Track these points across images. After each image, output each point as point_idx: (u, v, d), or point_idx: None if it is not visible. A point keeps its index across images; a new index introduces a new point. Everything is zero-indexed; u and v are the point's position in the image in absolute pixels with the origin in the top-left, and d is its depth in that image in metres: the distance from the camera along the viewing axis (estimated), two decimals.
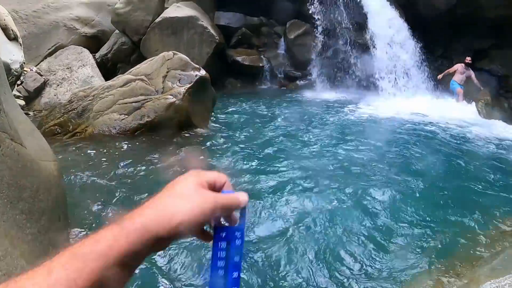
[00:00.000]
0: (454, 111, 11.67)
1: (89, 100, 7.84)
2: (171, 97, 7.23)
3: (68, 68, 12.75)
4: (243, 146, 6.88)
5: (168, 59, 8.05)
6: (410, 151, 7.28)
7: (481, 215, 4.65)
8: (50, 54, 13.57)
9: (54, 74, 12.60)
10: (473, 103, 12.40)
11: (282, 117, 9.57)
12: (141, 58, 13.17)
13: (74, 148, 6.49)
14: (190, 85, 7.47)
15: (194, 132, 7.38)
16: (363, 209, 4.66)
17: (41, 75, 12.40)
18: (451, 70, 13.23)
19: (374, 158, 6.63)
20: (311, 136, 7.88)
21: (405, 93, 13.68)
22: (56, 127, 7.75)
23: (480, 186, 5.59)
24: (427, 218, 4.55)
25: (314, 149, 6.88)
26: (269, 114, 9.76)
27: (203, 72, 7.91)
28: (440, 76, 13.38)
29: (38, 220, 3.01)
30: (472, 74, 13.00)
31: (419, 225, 4.38)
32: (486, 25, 14.19)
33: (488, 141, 8.61)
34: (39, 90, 11.95)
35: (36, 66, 13.03)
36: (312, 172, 5.63)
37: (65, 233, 3.64)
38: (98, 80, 12.17)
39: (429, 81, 14.29)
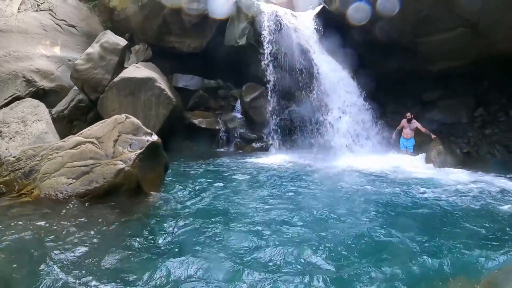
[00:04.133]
0: (409, 164, 12.13)
1: (38, 160, 7.69)
2: (121, 163, 7.09)
3: (22, 122, 12.49)
4: (193, 216, 6.63)
5: (119, 123, 7.99)
6: (367, 207, 7.41)
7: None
8: (6, 105, 13.25)
9: (8, 126, 12.31)
10: (426, 153, 12.91)
11: (237, 182, 9.48)
12: (98, 117, 13.14)
13: (16, 213, 6.26)
14: (140, 150, 7.36)
15: (144, 200, 7.15)
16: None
17: None
18: (399, 127, 13.93)
19: (328, 216, 6.67)
20: (266, 203, 7.59)
21: (360, 151, 14.03)
22: (2, 186, 7.54)
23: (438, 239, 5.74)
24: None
25: (267, 218, 6.63)
26: (224, 181, 9.56)
27: (155, 138, 7.82)
28: (393, 136, 14.05)
29: None
30: (417, 125, 13.62)
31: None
32: (432, 78, 15.24)
33: (445, 190, 8.93)
34: None
35: None
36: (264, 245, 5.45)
37: None
38: (52, 137, 11.94)
39: (382, 137, 14.82)
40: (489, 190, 8.96)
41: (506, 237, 5.87)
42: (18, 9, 16.18)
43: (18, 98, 13.59)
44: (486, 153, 14.36)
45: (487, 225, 6.38)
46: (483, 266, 4.83)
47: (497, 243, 5.58)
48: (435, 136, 13.32)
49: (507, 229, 6.20)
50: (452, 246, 5.37)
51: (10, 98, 13.64)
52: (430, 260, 4.91)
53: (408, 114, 13.74)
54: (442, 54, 14.01)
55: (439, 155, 12.48)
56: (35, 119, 12.63)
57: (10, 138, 11.89)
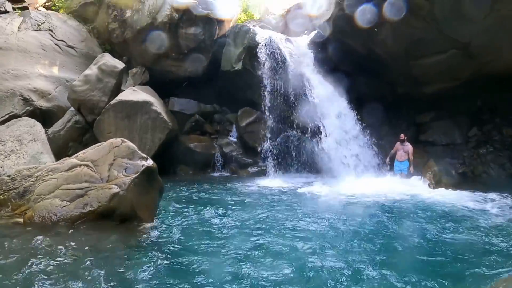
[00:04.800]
0: (404, 187, 12.12)
1: (32, 181, 7.71)
2: (116, 187, 7.11)
3: (18, 141, 12.50)
4: (186, 242, 6.56)
5: (115, 147, 8.00)
6: (370, 230, 7.46)
7: None
8: (2, 123, 13.26)
9: (4, 144, 12.32)
10: (421, 176, 13.02)
11: (231, 208, 9.33)
12: (94, 139, 13.26)
13: (8, 234, 6.31)
14: (135, 175, 7.36)
15: (138, 225, 7.10)
16: None
17: None
18: (393, 151, 13.95)
19: (328, 239, 6.63)
20: (262, 231, 7.41)
21: (355, 176, 14.04)
22: None
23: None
24: None
25: (262, 250, 6.36)
26: (218, 207, 9.40)
27: (150, 162, 7.82)
28: (388, 161, 14.05)
29: None
30: (409, 149, 13.64)
31: None
32: (426, 100, 15.43)
33: (438, 212, 9.04)
34: None
35: None
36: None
37: None
38: (47, 157, 11.97)
39: (377, 160, 14.85)
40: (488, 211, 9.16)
41: None
42: (19, 27, 16.33)
43: (14, 116, 13.64)
44: (482, 173, 14.49)
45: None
46: None
47: None
48: (412, 172, 13.47)
49: None
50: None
51: (6, 116, 13.66)
52: None
53: (402, 135, 13.83)
54: (435, 75, 14.29)
55: (434, 176, 12.58)
56: (31, 138, 12.63)
57: (5, 157, 11.89)
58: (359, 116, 15.21)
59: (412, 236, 7.13)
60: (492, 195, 10.91)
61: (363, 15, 13.35)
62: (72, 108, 14.60)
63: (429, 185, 12.37)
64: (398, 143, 13.86)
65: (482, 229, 7.57)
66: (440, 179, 12.55)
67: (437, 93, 15.01)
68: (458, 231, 7.44)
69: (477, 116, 15.79)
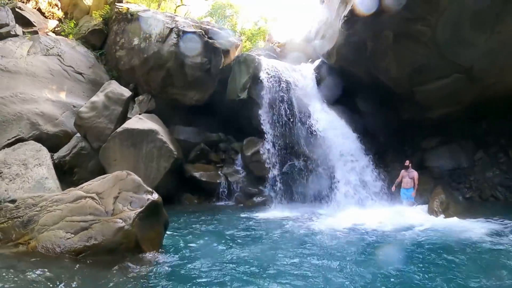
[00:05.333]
0: (410, 217, 11.72)
1: (37, 210, 7.72)
2: (121, 221, 7.12)
3: (23, 165, 12.55)
4: (190, 278, 6.43)
5: (120, 180, 8.05)
6: (369, 266, 7.16)
7: None
8: (8, 145, 13.43)
9: (9, 167, 12.38)
10: (428, 204, 12.64)
11: (235, 241, 9.25)
12: (99, 166, 13.33)
13: (11, 263, 6.37)
14: (141, 209, 7.38)
15: (142, 259, 7.03)
16: None
17: None
18: (399, 179, 13.65)
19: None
20: (268, 263, 7.32)
21: (361, 205, 13.81)
22: None
23: None
24: None
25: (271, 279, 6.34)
26: (223, 239, 9.35)
27: (155, 196, 7.82)
28: (393, 189, 13.77)
29: None
30: (415, 175, 13.35)
31: None
32: (430, 125, 15.52)
33: (447, 244, 8.63)
34: None
35: None
36: None
37: None
38: (52, 183, 12.02)
39: (383, 190, 14.57)
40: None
41: None
42: (28, 51, 16.53)
43: (21, 139, 13.76)
44: (489, 197, 14.45)
45: None
46: None
47: None
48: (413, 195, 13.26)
49: None
50: None
51: (13, 139, 13.74)
52: None
53: (407, 162, 13.66)
54: (439, 101, 14.43)
55: (441, 204, 12.17)
56: (37, 163, 12.70)
57: (10, 180, 11.95)
58: (363, 143, 15.16)
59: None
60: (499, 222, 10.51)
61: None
62: (78, 134, 14.69)
63: (436, 213, 11.91)
64: (403, 170, 13.61)
65: None
66: (448, 206, 12.14)
67: (441, 118, 15.15)
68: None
69: (483, 138, 15.79)
